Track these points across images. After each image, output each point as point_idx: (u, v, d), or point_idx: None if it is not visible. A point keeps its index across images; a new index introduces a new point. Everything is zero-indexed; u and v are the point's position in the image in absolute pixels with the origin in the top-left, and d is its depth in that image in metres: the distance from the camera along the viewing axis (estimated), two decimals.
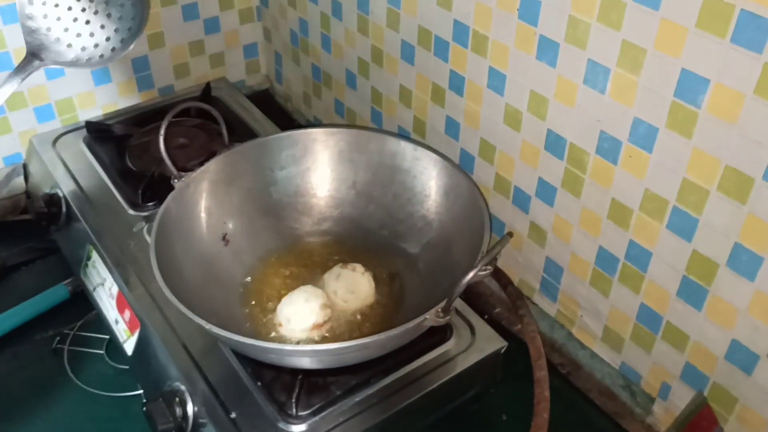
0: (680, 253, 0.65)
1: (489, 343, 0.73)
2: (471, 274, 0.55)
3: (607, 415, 0.78)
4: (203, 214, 0.73)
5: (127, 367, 0.81)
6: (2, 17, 0.98)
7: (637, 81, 0.62)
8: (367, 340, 0.57)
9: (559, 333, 0.84)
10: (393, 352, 0.68)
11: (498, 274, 0.82)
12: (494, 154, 0.82)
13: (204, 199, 0.74)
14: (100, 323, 0.85)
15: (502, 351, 0.73)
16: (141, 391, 0.78)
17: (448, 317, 0.57)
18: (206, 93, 1.07)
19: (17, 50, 1.00)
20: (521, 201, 0.81)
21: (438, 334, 0.72)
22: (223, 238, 0.75)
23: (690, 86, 0.58)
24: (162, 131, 0.72)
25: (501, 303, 0.90)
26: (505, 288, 0.81)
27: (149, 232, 0.84)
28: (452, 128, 0.87)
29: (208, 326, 0.57)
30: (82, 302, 0.88)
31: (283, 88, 1.25)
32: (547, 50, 0.69)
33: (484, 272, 0.60)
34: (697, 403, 0.66)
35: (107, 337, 0.84)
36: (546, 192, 0.77)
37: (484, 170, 0.84)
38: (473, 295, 0.90)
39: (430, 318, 0.57)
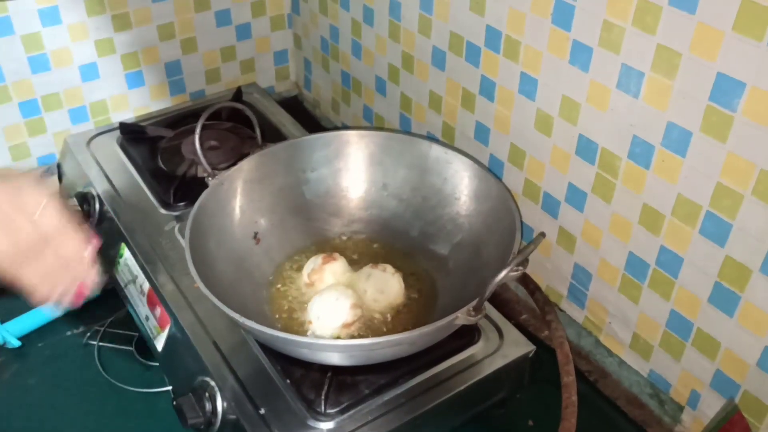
0: (713, 258, 0.64)
1: (517, 347, 0.73)
2: (503, 273, 0.55)
3: (634, 423, 0.78)
4: (236, 212, 0.74)
5: (155, 363, 0.81)
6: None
7: (671, 85, 0.62)
8: (399, 336, 0.57)
9: (586, 340, 0.84)
10: (421, 353, 0.68)
11: (526, 280, 0.82)
12: (524, 160, 0.82)
13: (237, 197, 0.75)
14: (130, 320, 0.86)
15: (530, 355, 0.73)
16: (169, 388, 0.78)
17: (479, 316, 0.58)
18: (237, 97, 1.09)
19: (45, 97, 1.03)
20: (550, 206, 0.81)
21: (466, 337, 0.72)
22: (255, 236, 0.76)
23: (725, 90, 0.58)
24: (198, 129, 0.74)
25: (528, 310, 0.90)
26: (532, 294, 0.81)
27: (180, 231, 0.85)
28: (482, 134, 0.87)
29: (242, 320, 0.57)
30: (113, 300, 0.89)
31: (312, 95, 1.26)
32: (580, 55, 0.70)
33: (515, 273, 0.61)
34: (728, 410, 0.65)
35: (136, 334, 0.85)
36: (576, 197, 0.77)
37: (513, 175, 0.84)
38: (501, 302, 0.90)
39: (462, 316, 0.57)
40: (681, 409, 0.74)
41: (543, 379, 0.77)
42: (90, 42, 1.05)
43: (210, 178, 0.72)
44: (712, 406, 0.70)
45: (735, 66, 0.57)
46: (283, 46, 1.26)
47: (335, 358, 0.60)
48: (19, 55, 1.00)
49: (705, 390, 0.71)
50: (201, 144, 0.97)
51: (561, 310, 0.86)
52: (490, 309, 0.77)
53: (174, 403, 0.68)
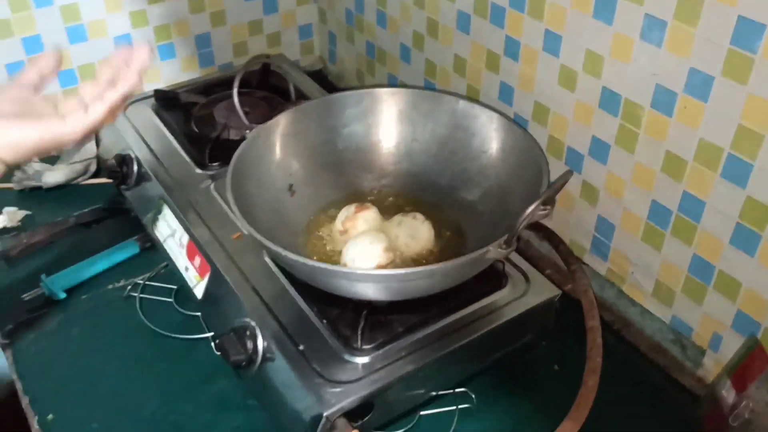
0: (734, 200, 0.67)
1: (543, 291, 0.76)
2: (534, 206, 0.58)
3: (658, 368, 0.80)
4: (272, 164, 0.77)
5: (194, 313, 0.85)
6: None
7: (694, 32, 0.65)
8: (433, 267, 0.60)
9: (609, 292, 0.86)
10: (451, 295, 0.71)
11: (549, 235, 0.85)
12: (548, 116, 0.85)
13: (273, 150, 0.78)
14: (168, 275, 0.89)
15: (556, 300, 0.76)
16: (208, 335, 0.82)
17: (510, 249, 0.60)
18: (266, 66, 1.12)
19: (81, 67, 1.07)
20: (574, 161, 0.84)
21: (494, 282, 0.75)
22: (290, 188, 0.79)
23: (746, 33, 0.60)
24: (236, 83, 0.77)
25: (551, 265, 0.92)
26: (556, 247, 0.84)
27: (216, 189, 0.88)
28: (506, 93, 0.90)
29: (284, 252, 0.60)
30: (151, 257, 0.93)
31: (336, 68, 1.29)
32: (604, 8, 0.72)
33: (543, 212, 0.63)
34: (748, 345, 0.67)
35: (175, 287, 0.88)
36: (599, 150, 0.80)
37: (537, 132, 0.86)
38: (525, 259, 0.92)
39: (493, 249, 0.60)
40: (703, 352, 0.77)
41: (568, 328, 0.79)
42: (125, 13, 1.09)
43: (248, 131, 0.75)
44: (733, 347, 0.72)
45: (755, 8, 0.59)
46: (308, 20, 1.29)
47: (371, 291, 0.63)
48: (58, 26, 1.04)
49: (726, 332, 0.73)
50: (231, 110, 1.00)
51: (584, 264, 0.88)
52: (517, 258, 0.79)
53: (216, 342, 0.72)
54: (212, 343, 0.81)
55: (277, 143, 0.78)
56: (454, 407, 0.74)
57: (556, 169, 0.85)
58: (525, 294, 0.75)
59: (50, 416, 0.74)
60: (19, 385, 0.78)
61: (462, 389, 0.75)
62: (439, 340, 0.70)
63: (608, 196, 0.81)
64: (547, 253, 0.93)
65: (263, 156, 0.76)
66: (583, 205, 0.85)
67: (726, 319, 0.72)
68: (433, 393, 0.73)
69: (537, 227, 0.86)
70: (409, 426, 0.73)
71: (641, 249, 0.79)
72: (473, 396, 0.75)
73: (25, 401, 0.77)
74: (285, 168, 0.78)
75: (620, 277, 0.84)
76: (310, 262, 0.60)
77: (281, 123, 0.78)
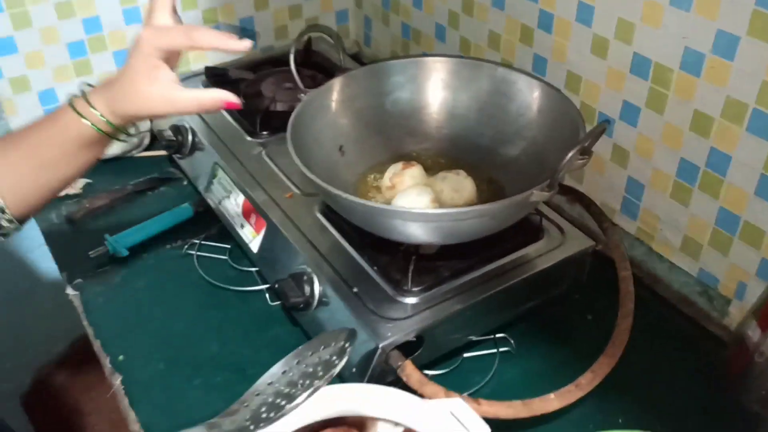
0: (759, 152, 0.72)
1: (577, 243, 0.81)
2: (573, 151, 0.63)
3: (686, 318, 0.85)
4: (324, 125, 0.83)
5: (248, 269, 0.91)
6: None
7: None
8: (483, 207, 0.65)
9: (639, 250, 0.91)
10: (492, 244, 0.77)
11: (580, 197, 0.90)
12: (580, 84, 0.90)
13: (325, 112, 0.84)
14: (221, 236, 0.95)
15: (590, 251, 0.81)
16: (263, 286, 0.88)
17: (552, 192, 0.66)
18: (308, 45, 1.18)
19: None
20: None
21: (532, 234, 0.81)
22: (340, 149, 0.85)
23: None
24: (292, 51, 0.83)
25: (583, 229, 0.97)
26: (588, 208, 0.89)
27: (267, 154, 0.95)
28: (539, 65, 0.95)
29: (344, 195, 0.66)
30: (204, 220, 0.99)
31: (371, 50, 1.35)
32: None
33: (581, 161, 0.69)
34: None
35: (228, 246, 0.94)
36: (630, 113, 0.85)
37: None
38: None
39: (537, 192, 0.65)
40: (728, 302, 0.82)
41: (601, 284, 0.84)
42: None
43: (302, 95, 0.81)
44: (757, 295, 0.77)
45: None
46: (344, 6, 1.35)
47: (423, 231, 0.68)
48: (115, 8, 1.11)
49: (751, 280, 0.78)
50: (278, 85, 1.07)
51: (615, 224, 0.93)
52: (553, 215, 0.85)
53: (276, 286, 0.78)
54: (266, 295, 0.87)
55: (329, 106, 0.84)
56: (495, 351, 0.80)
57: None
58: (560, 246, 0.81)
59: (121, 357, 0.81)
60: (90, 331, 0.85)
61: (502, 335, 0.81)
62: (481, 284, 0.76)
63: (638, 157, 0.86)
64: (579, 218, 0.98)
65: (317, 117, 0.82)
66: (614, 168, 0.90)
67: (751, 268, 0.77)
68: (475, 336, 0.79)
69: (569, 191, 0.92)
70: (454, 366, 0.78)
71: (670, 206, 0.84)
72: (512, 341, 0.80)
73: (96, 345, 0.83)
74: (336, 129, 0.84)
75: (649, 235, 0.89)
76: (369, 203, 0.66)
77: (333, 88, 0.84)
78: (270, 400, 0.56)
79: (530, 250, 0.80)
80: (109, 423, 1.44)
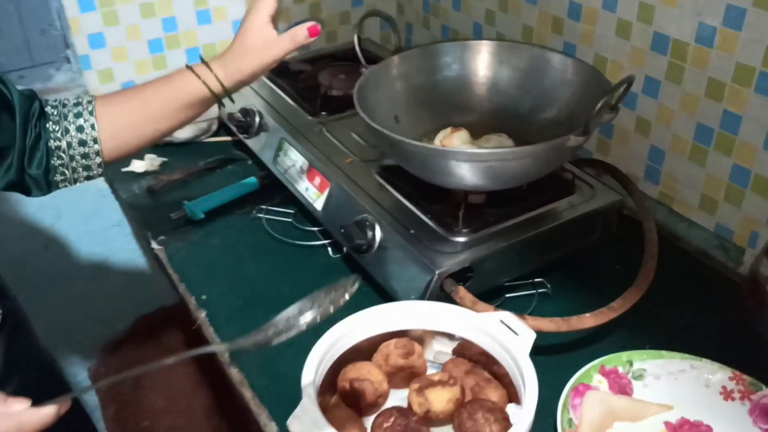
0: (766, 109, 0.82)
1: (606, 197, 0.92)
2: (603, 101, 0.75)
3: (705, 268, 0.94)
4: (383, 96, 0.95)
5: (310, 228, 1.02)
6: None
7: None
8: (525, 148, 0.77)
9: (661, 212, 1.01)
10: (531, 196, 0.88)
11: (606, 166, 1.01)
12: (606, 64, 1.02)
13: (384, 85, 0.96)
14: (285, 203, 1.07)
15: (617, 203, 0.92)
16: (325, 241, 0.99)
17: (586, 138, 0.77)
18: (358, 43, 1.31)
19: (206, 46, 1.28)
20: (629, 100, 1.00)
21: (565, 189, 0.92)
22: (395, 118, 0.96)
23: None
24: (356, 34, 0.96)
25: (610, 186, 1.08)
26: (614, 175, 1.00)
27: (327, 131, 1.07)
28: (569, 50, 1.07)
29: (407, 140, 0.78)
30: (269, 192, 1.11)
31: None
32: None
33: (610, 115, 0.80)
34: None
35: (292, 211, 1.06)
36: (651, 87, 0.96)
37: None
38: None
39: (573, 138, 0.76)
40: (743, 251, 0.91)
41: (628, 242, 0.94)
42: (241, 2, 1.30)
43: (364, 69, 0.94)
44: None
45: None
46: (388, 12, 1.48)
47: (472, 173, 0.79)
48: (190, 9, 1.26)
49: (762, 228, 0.88)
50: (333, 75, 1.20)
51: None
52: (583, 174, 0.96)
53: (342, 231, 0.89)
54: (328, 249, 0.98)
55: (387, 80, 0.96)
56: (534, 291, 0.90)
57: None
58: (590, 199, 0.91)
59: (204, 296, 0.92)
60: (175, 276, 0.96)
61: (540, 279, 0.91)
62: (520, 229, 0.86)
63: (659, 126, 0.97)
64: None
65: (377, 89, 0.94)
66: (637, 138, 1.01)
67: (762, 216, 0.87)
68: (516, 274, 0.89)
69: (597, 163, 1.03)
70: (497, 305, 0.88)
71: (688, 167, 0.95)
72: (549, 285, 0.90)
73: (181, 287, 0.95)
74: (393, 100, 0.96)
75: (670, 197, 0.99)
76: (429, 146, 0.78)
77: (391, 64, 0.97)
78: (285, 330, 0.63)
79: (563, 202, 0.90)
80: (165, 398, 1.55)
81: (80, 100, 0.80)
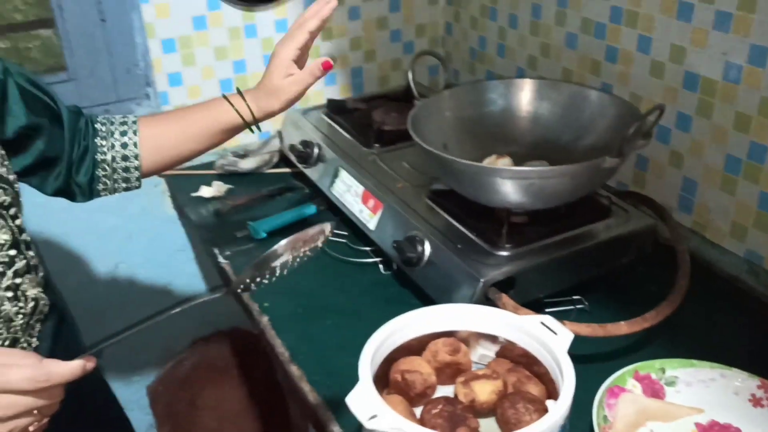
0: None
1: (641, 221, 0.99)
2: (635, 125, 0.82)
3: (737, 292, 0.99)
4: (433, 125, 1.04)
5: (364, 248, 1.11)
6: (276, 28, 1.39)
7: (753, 18, 0.90)
8: (563, 167, 0.85)
9: (693, 240, 1.07)
10: (570, 217, 0.95)
11: (642, 198, 1.08)
12: (641, 103, 1.10)
13: (435, 115, 1.05)
14: (340, 227, 1.16)
15: (652, 228, 0.98)
16: (377, 259, 1.07)
17: (621, 160, 0.84)
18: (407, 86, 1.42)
19: None
20: (663, 135, 1.07)
21: (601, 212, 0.99)
22: (444, 146, 1.06)
23: None
24: (410, 69, 1.06)
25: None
26: (649, 205, 1.07)
27: (380, 161, 1.16)
28: (605, 89, 1.16)
29: (457, 159, 0.87)
30: (325, 216, 1.20)
31: None
32: (684, 12, 0.98)
33: (643, 141, 0.88)
34: None
35: (346, 233, 1.15)
36: (683, 122, 1.04)
37: None
38: None
39: (609, 159, 0.84)
40: None
41: (664, 265, 1.00)
42: None
43: (416, 101, 1.04)
44: None
45: None
46: (436, 60, 1.60)
47: (515, 189, 0.87)
48: (258, 53, 1.39)
49: None
50: (386, 113, 1.30)
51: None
52: (618, 200, 1.03)
53: (394, 245, 0.97)
54: (380, 266, 1.07)
55: (438, 111, 1.06)
56: (572, 307, 0.96)
57: (653, 147, 1.09)
58: (626, 222, 0.98)
59: (266, 303, 1.01)
60: (246, 296, 1.05)
61: (578, 297, 0.97)
62: (559, 245, 0.93)
63: (691, 158, 1.04)
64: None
65: (428, 119, 1.04)
66: (671, 170, 1.08)
67: None
68: (555, 289, 0.95)
69: (633, 195, 1.10)
70: None
71: (719, 197, 1.01)
72: (586, 302, 0.97)
73: (246, 296, 1.04)
74: (442, 130, 1.06)
75: (702, 226, 1.05)
76: (476, 163, 0.87)
77: (442, 97, 1.06)
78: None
79: (599, 224, 0.98)
80: (218, 419, 1.62)
81: (126, 119, 0.91)
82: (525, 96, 1.09)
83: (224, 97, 0.91)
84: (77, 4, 1.24)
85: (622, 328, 0.83)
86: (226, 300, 1.10)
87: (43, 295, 0.80)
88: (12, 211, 0.75)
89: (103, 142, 0.89)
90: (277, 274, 0.76)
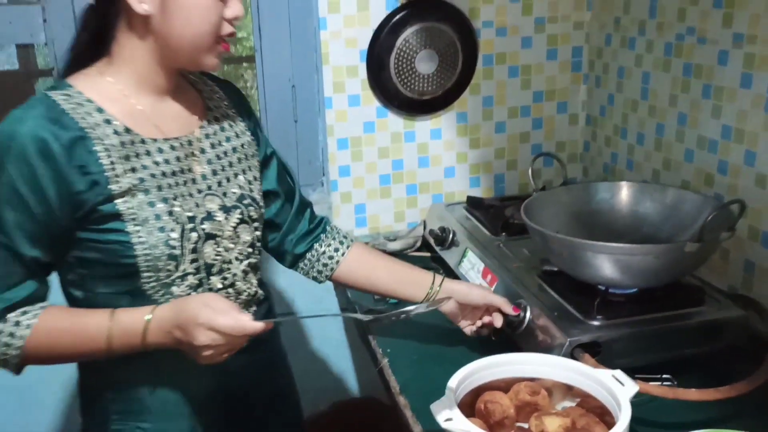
0: None
1: (732, 311, 1.06)
2: (712, 212, 0.94)
3: None
4: (546, 214, 1.21)
5: None
6: None
7: None
8: (647, 246, 0.98)
9: None
10: (662, 301, 1.06)
11: (747, 299, 1.15)
12: (747, 211, 1.19)
13: (547, 206, 1.23)
14: None
15: (742, 319, 1.05)
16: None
17: (700, 244, 0.96)
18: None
19: (421, 184, 1.66)
20: (766, 240, 1.15)
21: (695, 299, 1.08)
22: (556, 233, 1.22)
23: None
24: (530, 170, 1.26)
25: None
26: (753, 307, 1.13)
27: (503, 246, 1.34)
28: (717, 200, 1.26)
29: (559, 235, 1.03)
30: None
31: None
32: None
33: (727, 234, 0.99)
34: None
35: None
36: None
37: (739, 223, 1.20)
38: None
39: (690, 244, 0.96)
40: None
41: (757, 356, 1.06)
42: (453, 153, 1.68)
43: (534, 192, 1.22)
44: None
45: None
46: (574, 174, 1.77)
47: (608, 264, 1.01)
48: (414, 154, 1.65)
49: None
50: (516, 209, 1.49)
51: None
52: (712, 291, 1.11)
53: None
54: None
55: (552, 203, 1.24)
56: (660, 383, 1.04)
57: (754, 249, 1.18)
58: (717, 311, 1.07)
59: (389, 350, 1.20)
60: (372, 342, 1.25)
61: (667, 375, 1.06)
62: (647, 321, 1.04)
63: None
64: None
65: (543, 208, 1.21)
66: None
67: None
68: (641, 363, 1.05)
69: (739, 298, 1.18)
70: None
71: None
72: (675, 381, 1.05)
73: (373, 343, 1.23)
74: (553, 220, 1.22)
75: None
76: (576, 239, 1.02)
77: (555, 191, 1.24)
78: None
79: (690, 310, 1.07)
80: None
81: (347, 236, 1.16)
82: (630, 196, 1.23)
83: (434, 275, 1.14)
84: (279, 104, 1.60)
85: (692, 394, 0.92)
86: (368, 369, 1.25)
87: (260, 290, 1.05)
88: (255, 224, 1.03)
89: (326, 239, 1.15)
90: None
